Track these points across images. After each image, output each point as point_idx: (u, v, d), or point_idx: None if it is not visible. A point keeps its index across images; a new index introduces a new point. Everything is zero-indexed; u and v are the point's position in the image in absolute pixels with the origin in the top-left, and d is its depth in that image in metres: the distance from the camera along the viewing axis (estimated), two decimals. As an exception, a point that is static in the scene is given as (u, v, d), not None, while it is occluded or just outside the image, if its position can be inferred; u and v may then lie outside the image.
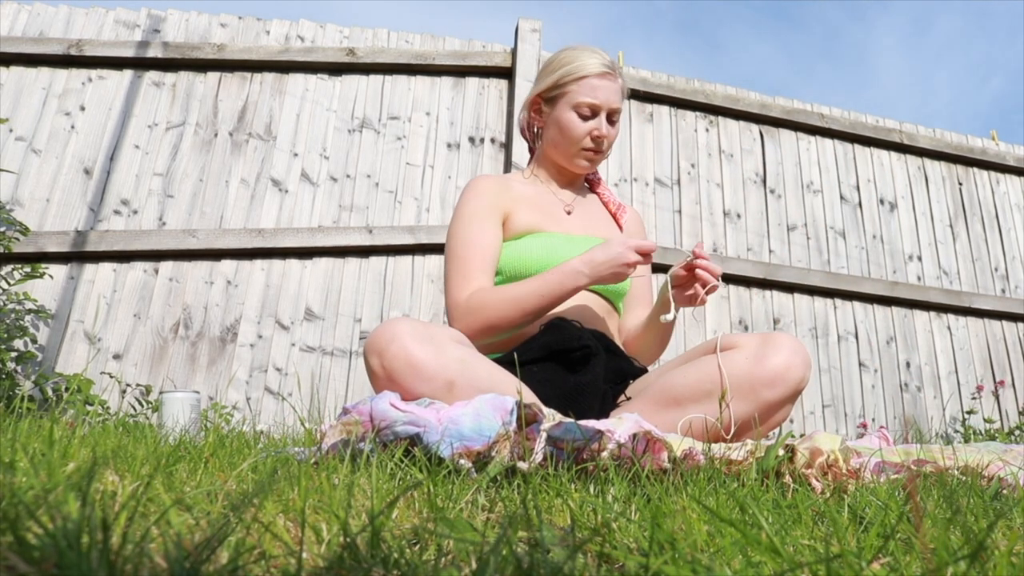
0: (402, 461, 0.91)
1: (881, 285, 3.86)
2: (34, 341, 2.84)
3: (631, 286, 1.66)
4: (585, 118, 1.55)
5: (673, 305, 1.40)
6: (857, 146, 4.17)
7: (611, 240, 1.38)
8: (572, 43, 1.62)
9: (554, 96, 1.58)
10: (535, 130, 1.65)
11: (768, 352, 1.25)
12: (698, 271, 1.37)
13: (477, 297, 1.43)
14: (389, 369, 1.18)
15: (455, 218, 1.56)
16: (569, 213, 1.62)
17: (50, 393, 2.67)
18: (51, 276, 2.93)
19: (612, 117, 1.57)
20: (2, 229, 2.83)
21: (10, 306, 2.77)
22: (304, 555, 0.47)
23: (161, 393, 2.31)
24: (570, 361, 1.37)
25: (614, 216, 1.69)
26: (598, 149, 1.58)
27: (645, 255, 1.36)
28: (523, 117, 1.67)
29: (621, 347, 1.53)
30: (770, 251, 3.81)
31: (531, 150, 1.72)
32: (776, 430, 2.45)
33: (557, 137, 1.59)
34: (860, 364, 3.75)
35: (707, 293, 1.35)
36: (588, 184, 1.75)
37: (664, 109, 3.88)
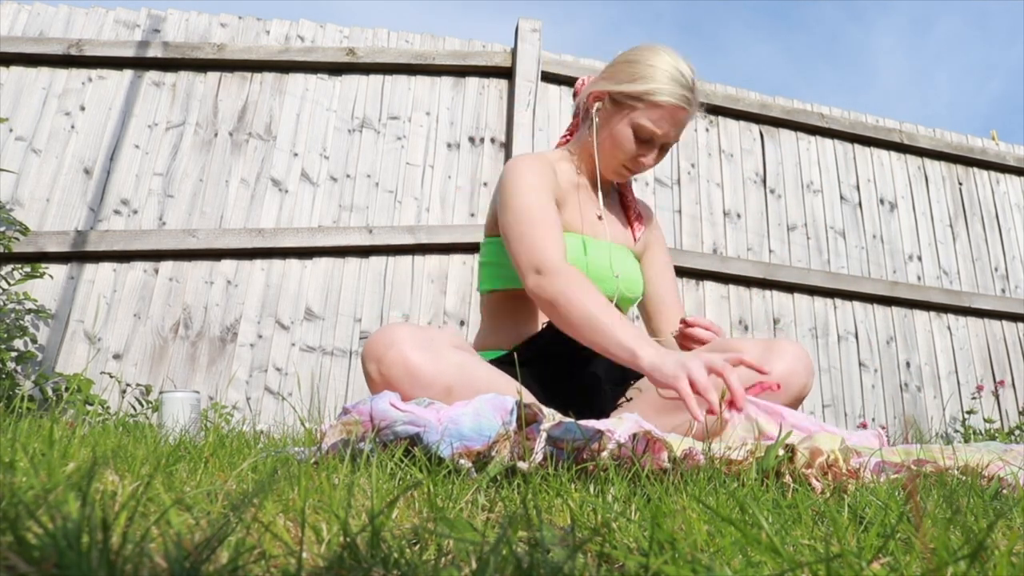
0: (402, 461, 0.91)
1: (881, 285, 3.86)
2: (34, 341, 2.84)
3: (652, 286, 1.63)
4: (641, 142, 1.47)
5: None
6: (857, 146, 4.17)
7: (691, 358, 1.11)
8: (667, 48, 1.47)
9: (620, 101, 1.47)
10: (591, 117, 1.53)
11: (771, 359, 1.24)
12: (692, 330, 1.35)
13: (571, 281, 1.26)
14: (387, 375, 1.18)
15: (513, 191, 1.41)
16: (600, 218, 1.58)
17: (50, 393, 2.67)
18: (51, 276, 2.93)
19: (668, 147, 1.50)
20: (2, 229, 2.83)
21: (10, 306, 2.77)
22: (304, 555, 0.47)
23: (161, 393, 2.31)
24: (572, 362, 1.36)
25: (631, 225, 1.64)
26: (636, 170, 1.51)
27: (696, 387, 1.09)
28: (584, 99, 1.56)
29: None
30: (770, 251, 3.81)
31: (572, 130, 1.64)
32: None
33: (605, 142, 1.50)
34: (860, 364, 3.75)
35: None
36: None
37: (664, 109, 3.87)
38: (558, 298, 1.25)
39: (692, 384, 1.07)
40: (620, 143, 1.47)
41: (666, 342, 1.50)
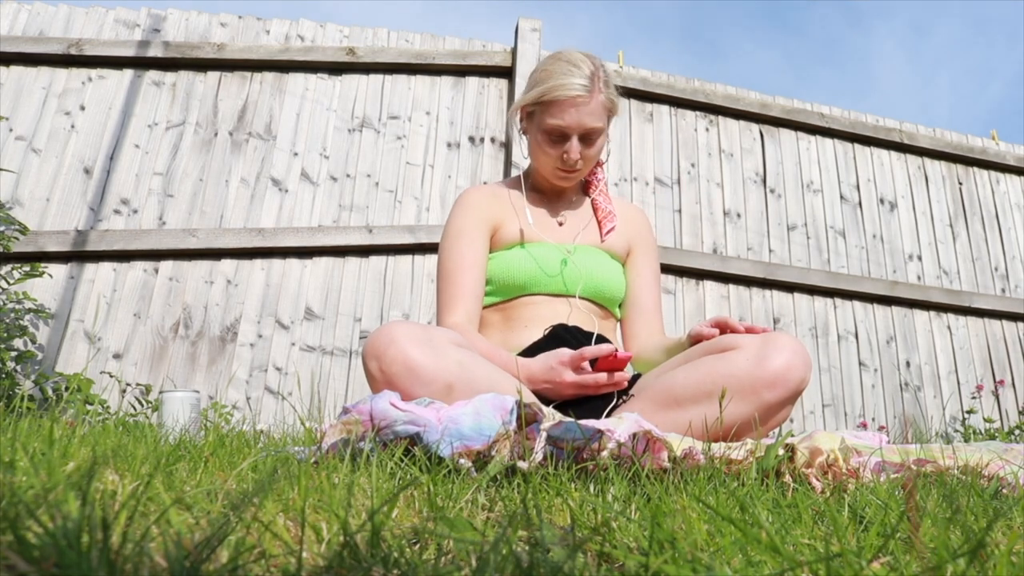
0: (402, 460, 0.91)
1: (881, 285, 3.86)
2: (34, 340, 2.84)
3: (632, 291, 1.64)
4: (555, 142, 1.52)
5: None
6: (857, 146, 4.17)
7: (550, 357, 1.33)
8: (563, 49, 1.57)
9: (531, 111, 1.56)
10: (525, 135, 1.64)
11: (769, 353, 1.24)
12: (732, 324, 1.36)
13: (461, 358, 1.36)
14: (387, 373, 1.18)
15: (444, 234, 1.58)
16: (561, 224, 1.62)
17: (50, 392, 2.67)
18: (51, 275, 2.93)
19: (589, 137, 1.52)
20: (2, 228, 2.83)
21: (10, 305, 2.77)
22: (304, 554, 0.47)
23: (161, 392, 2.31)
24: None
25: (599, 225, 1.66)
26: (571, 169, 1.55)
27: (596, 360, 1.29)
28: (515, 122, 1.66)
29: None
30: (770, 250, 3.81)
31: None
32: (776, 429, 2.45)
33: (535, 152, 1.58)
34: (860, 364, 3.75)
35: None
36: (584, 185, 1.73)
37: (664, 108, 3.88)
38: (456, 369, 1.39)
39: (573, 365, 1.31)
40: (542, 148, 1.54)
41: (673, 347, 1.50)
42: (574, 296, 1.54)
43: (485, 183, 1.72)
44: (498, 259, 1.55)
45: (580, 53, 1.54)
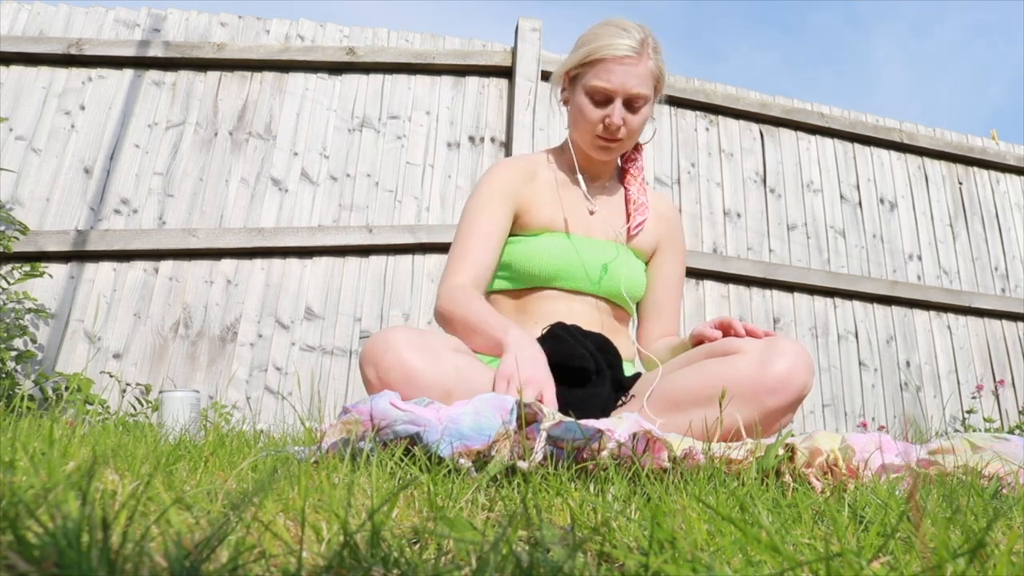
0: (402, 460, 0.91)
1: (881, 284, 3.86)
2: (34, 340, 2.84)
3: (652, 292, 1.61)
4: (598, 104, 1.45)
5: None
6: (857, 145, 4.17)
7: (515, 363, 1.22)
8: (612, 16, 1.52)
9: (575, 76, 1.49)
10: (566, 104, 1.57)
11: (771, 358, 1.22)
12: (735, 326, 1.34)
13: (457, 296, 1.40)
14: (385, 379, 1.17)
15: (469, 200, 1.52)
16: (592, 213, 1.56)
17: (50, 392, 2.67)
18: (51, 275, 2.93)
19: (634, 103, 1.45)
20: (2, 228, 2.83)
21: (10, 305, 2.77)
22: (304, 554, 0.47)
23: (161, 392, 2.31)
24: (569, 376, 1.34)
25: (628, 218, 1.59)
26: (612, 138, 1.48)
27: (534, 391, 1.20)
28: (556, 93, 1.59)
29: (619, 350, 1.50)
30: (770, 250, 3.81)
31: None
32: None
33: (575, 120, 1.51)
34: (860, 363, 3.75)
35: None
36: (621, 173, 1.66)
37: (664, 108, 3.88)
38: (448, 310, 1.39)
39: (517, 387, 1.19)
40: (583, 113, 1.47)
41: (678, 347, 1.49)
42: (592, 295, 1.50)
43: (521, 156, 1.63)
44: (524, 245, 1.49)
45: (630, 20, 1.49)
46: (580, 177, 1.57)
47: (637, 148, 1.63)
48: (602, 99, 1.45)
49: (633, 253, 1.58)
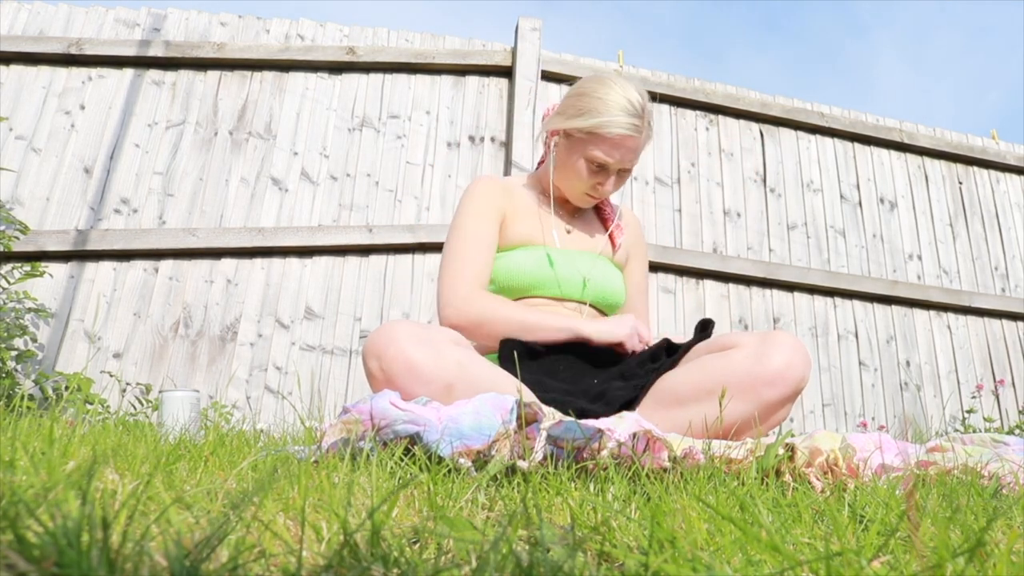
0: (402, 460, 0.91)
1: (881, 284, 3.86)
2: (34, 340, 2.84)
3: (627, 299, 1.67)
4: (593, 173, 1.52)
5: None
6: (857, 145, 4.17)
7: (626, 319, 1.45)
8: (616, 78, 1.53)
9: (574, 136, 1.53)
10: (551, 147, 1.61)
11: (768, 351, 1.25)
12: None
13: (487, 303, 1.43)
14: (388, 372, 1.19)
15: (459, 213, 1.56)
16: (569, 232, 1.62)
17: (50, 392, 2.67)
18: (51, 275, 2.93)
19: (626, 171, 1.54)
20: (2, 228, 2.83)
21: (10, 305, 2.77)
22: (304, 553, 0.47)
23: (161, 392, 2.31)
24: (592, 357, 1.38)
25: (611, 236, 1.67)
26: (598, 197, 1.57)
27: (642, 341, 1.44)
28: (543, 131, 1.64)
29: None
30: (770, 250, 3.81)
31: (543, 159, 1.69)
32: (776, 429, 2.45)
33: (564, 172, 1.56)
34: (860, 363, 3.75)
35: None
36: None
37: (664, 108, 3.88)
38: (483, 314, 1.42)
39: (640, 339, 1.45)
40: (578, 174, 1.53)
41: None
42: (575, 301, 1.54)
43: (497, 176, 1.70)
44: (504, 259, 1.54)
45: (632, 87, 1.51)
46: (554, 205, 1.64)
47: None
48: (598, 168, 1.52)
49: (611, 263, 1.64)
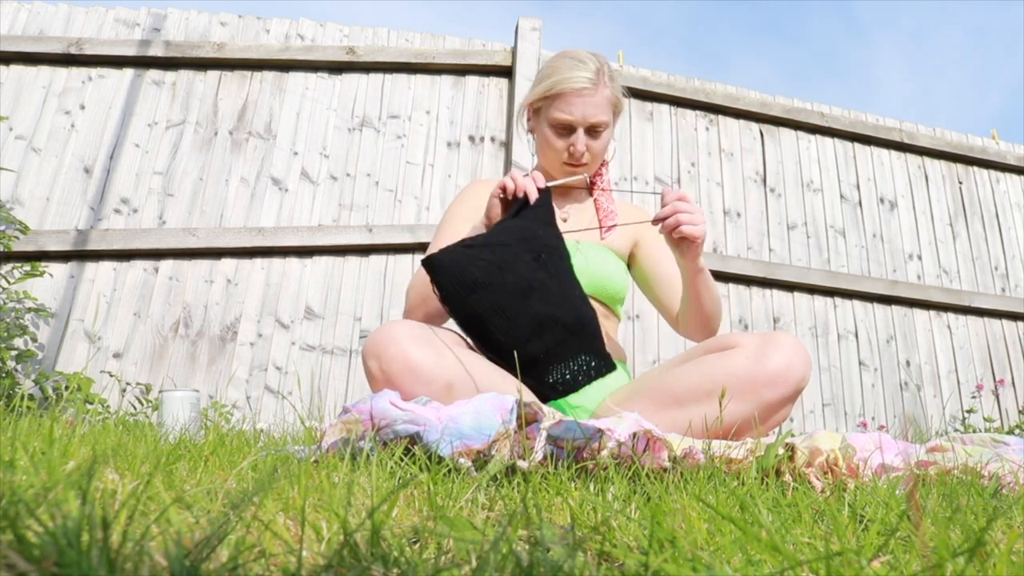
0: (402, 460, 0.91)
1: (881, 284, 3.86)
2: (34, 340, 2.84)
3: (661, 269, 1.63)
4: (562, 134, 1.54)
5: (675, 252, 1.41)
6: (857, 145, 4.17)
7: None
8: (569, 48, 1.61)
9: (538, 108, 1.58)
10: (532, 133, 1.66)
11: (769, 351, 1.25)
12: (667, 221, 1.35)
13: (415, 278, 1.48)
14: (388, 372, 1.19)
15: (443, 217, 1.64)
16: (565, 221, 1.62)
17: (50, 392, 2.67)
18: (51, 275, 2.93)
19: (595, 130, 1.54)
20: (2, 228, 2.83)
21: (10, 304, 2.77)
22: (304, 553, 0.47)
23: (161, 392, 2.31)
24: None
25: (600, 226, 1.66)
26: (578, 163, 1.56)
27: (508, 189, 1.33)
28: (522, 120, 1.68)
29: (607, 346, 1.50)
30: (770, 250, 3.81)
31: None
32: (776, 429, 2.45)
33: (542, 148, 1.60)
34: (860, 363, 3.75)
35: (678, 233, 1.35)
36: (589, 186, 1.73)
37: (664, 108, 3.88)
38: (409, 301, 1.49)
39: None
40: (549, 142, 1.56)
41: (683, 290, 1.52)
42: None
43: (492, 179, 1.72)
44: None
45: (585, 51, 1.56)
46: (558, 190, 1.66)
47: (603, 164, 1.70)
48: (565, 130, 1.54)
49: (611, 253, 1.62)
